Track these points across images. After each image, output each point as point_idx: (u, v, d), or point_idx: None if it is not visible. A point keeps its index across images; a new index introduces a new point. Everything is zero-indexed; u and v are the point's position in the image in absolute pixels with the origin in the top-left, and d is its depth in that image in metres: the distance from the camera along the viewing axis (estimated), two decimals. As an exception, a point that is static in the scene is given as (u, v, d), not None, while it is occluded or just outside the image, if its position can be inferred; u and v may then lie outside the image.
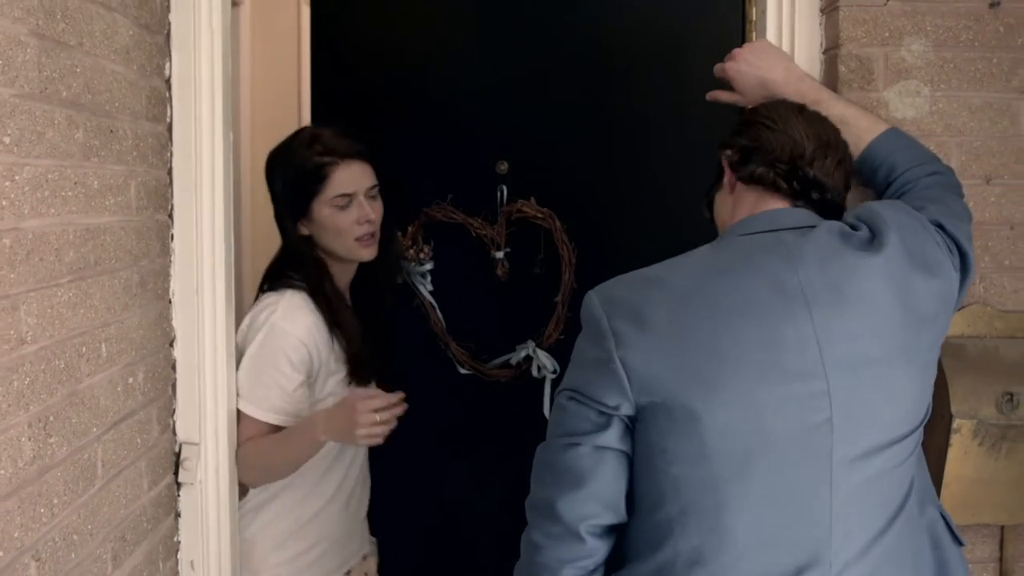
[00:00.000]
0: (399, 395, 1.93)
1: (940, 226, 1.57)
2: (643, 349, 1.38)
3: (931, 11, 1.90)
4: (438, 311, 2.31)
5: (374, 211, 2.08)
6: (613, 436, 1.40)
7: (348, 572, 2.19)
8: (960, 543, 1.57)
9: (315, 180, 2.04)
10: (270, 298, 2.05)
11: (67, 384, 1.45)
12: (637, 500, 1.45)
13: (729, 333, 1.38)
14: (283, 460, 2.03)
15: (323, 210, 2.04)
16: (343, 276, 2.15)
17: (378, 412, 1.90)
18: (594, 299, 1.44)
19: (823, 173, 1.53)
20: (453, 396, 2.36)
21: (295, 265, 2.09)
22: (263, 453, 2.01)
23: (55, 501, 1.40)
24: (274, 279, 2.10)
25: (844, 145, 1.60)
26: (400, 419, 1.92)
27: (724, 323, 1.38)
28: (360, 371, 2.09)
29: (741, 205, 1.58)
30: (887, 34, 1.90)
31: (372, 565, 2.25)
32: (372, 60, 2.34)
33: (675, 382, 1.37)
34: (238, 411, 2.00)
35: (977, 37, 1.91)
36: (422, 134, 2.30)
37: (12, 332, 1.28)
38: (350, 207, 2.05)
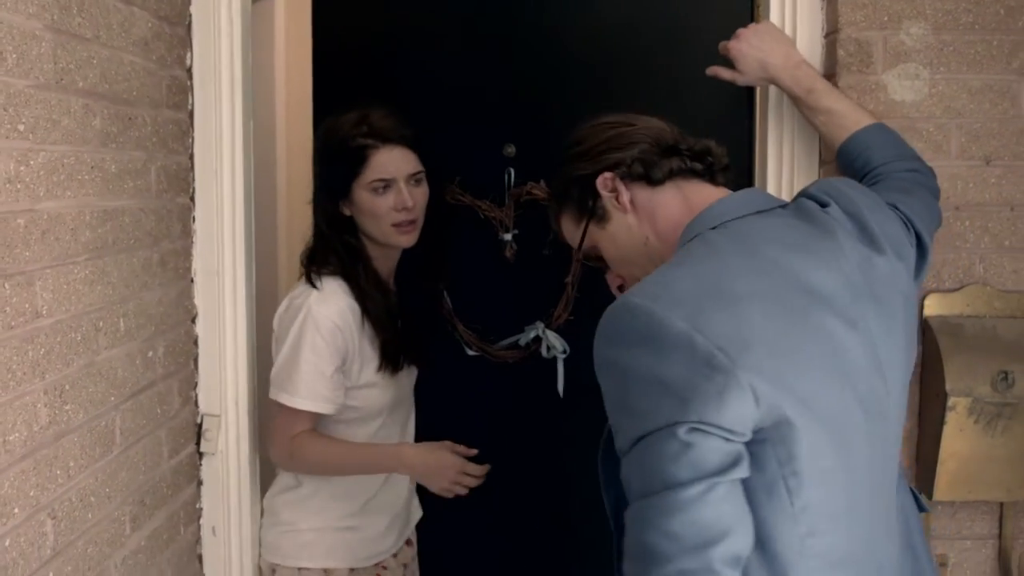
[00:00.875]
0: (487, 468, 2.05)
1: (894, 206, 1.55)
2: (753, 361, 1.19)
3: (930, -7, 1.92)
4: (445, 293, 2.33)
5: (414, 198, 2.02)
6: (745, 465, 1.18)
7: (395, 554, 2.21)
8: (923, 509, 1.56)
9: (356, 162, 1.99)
10: (305, 284, 2.04)
11: (84, 355, 1.55)
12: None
13: (804, 336, 1.26)
14: (352, 469, 2.08)
15: (362, 193, 2.00)
16: (385, 262, 2.11)
17: (467, 475, 2.02)
18: (661, 312, 1.20)
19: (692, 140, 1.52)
20: (461, 378, 2.38)
21: (331, 248, 2.06)
22: (330, 457, 2.04)
23: (71, 464, 1.51)
24: (312, 262, 2.06)
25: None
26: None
27: (800, 327, 1.26)
28: (391, 360, 2.07)
29: (663, 209, 1.48)
30: (886, 18, 1.92)
31: (409, 554, 2.26)
32: (377, 41, 2.37)
33: (785, 396, 1.20)
34: (280, 404, 1.99)
35: (977, 20, 1.93)
36: (427, 116, 2.27)
37: (27, 306, 1.38)
38: (388, 192, 2.00)
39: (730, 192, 1.47)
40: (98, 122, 1.60)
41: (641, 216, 1.50)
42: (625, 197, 1.49)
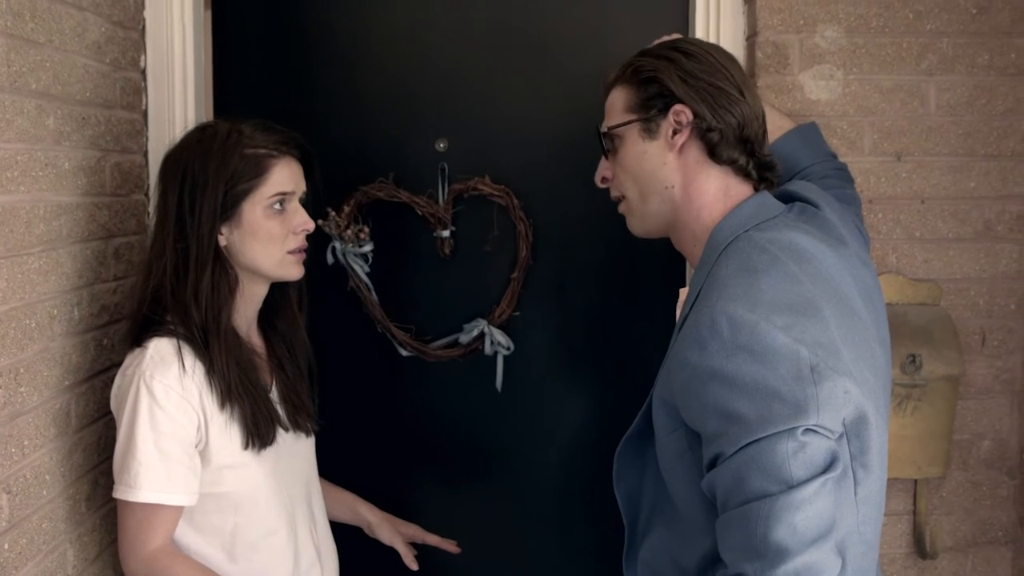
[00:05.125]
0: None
1: (845, 204, 1.69)
2: (844, 365, 1.31)
3: (843, -1, 2.04)
4: (374, 293, 2.27)
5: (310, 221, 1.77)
6: (842, 461, 1.29)
7: None
8: None
9: (251, 175, 1.69)
10: (134, 349, 1.69)
11: (39, 341, 1.65)
12: None
13: (856, 338, 1.38)
14: None
15: (255, 212, 1.70)
16: (251, 305, 1.81)
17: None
18: (763, 324, 1.29)
19: (767, 152, 1.53)
20: (395, 380, 2.33)
21: (161, 303, 1.70)
22: None
23: (26, 443, 1.60)
24: (149, 320, 1.70)
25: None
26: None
27: (851, 330, 1.37)
28: (258, 434, 1.72)
29: (704, 183, 1.49)
30: (802, 22, 2.04)
31: None
32: (294, 37, 2.28)
33: (865, 394, 1.33)
34: (132, 503, 1.62)
35: (888, 23, 2.05)
36: (355, 111, 2.26)
37: (-18, 293, 1.48)
38: (286, 211, 1.73)
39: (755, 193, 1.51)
40: (51, 121, 1.69)
41: (681, 166, 1.50)
42: (681, 139, 1.48)
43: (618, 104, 1.55)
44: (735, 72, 1.50)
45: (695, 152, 1.49)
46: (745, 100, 1.48)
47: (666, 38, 1.63)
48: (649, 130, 1.50)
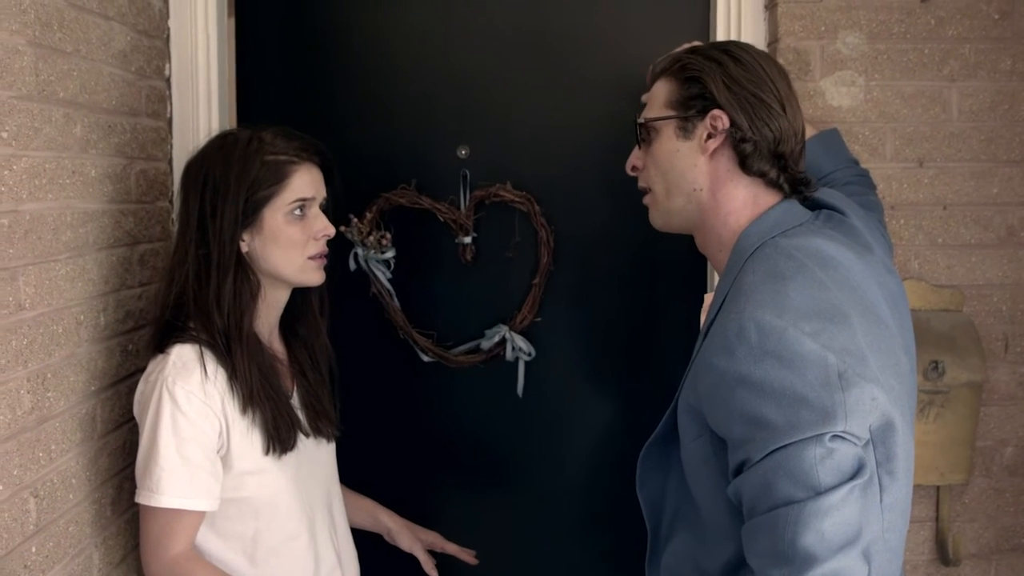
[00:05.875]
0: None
1: (868, 210, 1.70)
2: (871, 372, 1.31)
3: (865, 6, 2.04)
4: (396, 299, 2.29)
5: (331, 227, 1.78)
6: (869, 467, 1.29)
7: None
8: None
9: (272, 181, 1.70)
10: (156, 356, 1.70)
11: (66, 347, 1.67)
12: None
13: (882, 345, 1.38)
14: None
15: (276, 219, 1.71)
16: (273, 311, 1.82)
17: None
18: (792, 330, 1.29)
19: (802, 168, 1.53)
20: (416, 386, 2.35)
21: (184, 309, 1.72)
22: None
23: (53, 447, 1.62)
24: (172, 325, 1.71)
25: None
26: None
27: (878, 337, 1.38)
28: (279, 438, 1.73)
29: (733, 189, 1.50)
30: (823, 28, 2.04)
31: None
32: (320, 40, 2.29)
33: (892, 401, 1.33)
34: (155, 509, 1.64)
35: (909, 30, 2.05)
36: (374, 117, 2.27)
37: (11, 299, 1.50)
38: (303, 218, 1.74)
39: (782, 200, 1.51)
40: (79, 130, 1.71)
41: (711, 171, 1.50)
42: (714, 145, 1.48)
43: (660, 97, 1.55)
44: (781, 86, 1.49)
45: (726, 159, 1.49)
46: (785, 115, 1.47)
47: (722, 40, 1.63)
48: (685, 129, 1.50)
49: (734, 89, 1.47)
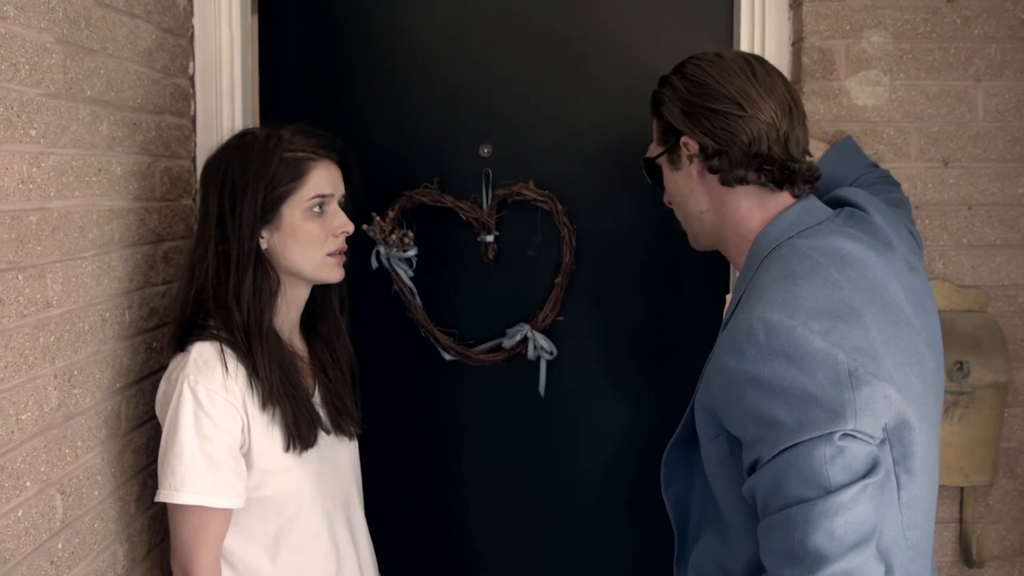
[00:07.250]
0: None
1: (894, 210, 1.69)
2: (885, 371, 1.30)
3: (890, 5, 2.02)
4: (418, 297, 2.28)
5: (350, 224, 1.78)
6: (883, 466, 1.29)
7: None
8: None
9: (291, 177, 1.70)
10: (177, 354, 1.70)
11: (92, 344, 1.67)
12: None
13: (901, 343, 1.37)
14: None
15: (294, 215, 1.71)
16: (294, 309, 1.81)
17: None
18: (800, 329, 1.29)
19: (800, 151, 1.48)
20: (438, 384, 2.35)
21: (204, 306, 1.72)
22: None
23: (79, 444, 1.62)
24: (191, 323, 1.71)
25: (797, 95, 1.52)
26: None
27: (896, 335, 1.37)
28: (300, 436, 1.72)
29: (733, 201, 1.50)
30: (848, 27, 2.03)
31: None
32: (343, 40, 2.30)
33: (907, 399, 1.33)
34: (185, 511, 1.63)
35: (935, 29, 2.03)
36: (396, 116, 2.27)
37: (39, 296, 1.50)
38: (325, 214, 1.74)
39: (798, 199, 1.51)
40: (105, 127, 1.72)
41: (707, 191, 1.52)
42: (695, 169, 1.51)
43: (654, 135, 1.61)
44: (737, 83, 1.46)
45: (713, 177, 1.50)
46: (747, 113, 1.44)
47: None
48: (673, 162, 1.56)
49: (688, 110, 1.49)
